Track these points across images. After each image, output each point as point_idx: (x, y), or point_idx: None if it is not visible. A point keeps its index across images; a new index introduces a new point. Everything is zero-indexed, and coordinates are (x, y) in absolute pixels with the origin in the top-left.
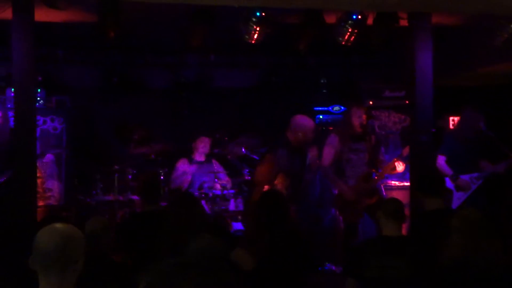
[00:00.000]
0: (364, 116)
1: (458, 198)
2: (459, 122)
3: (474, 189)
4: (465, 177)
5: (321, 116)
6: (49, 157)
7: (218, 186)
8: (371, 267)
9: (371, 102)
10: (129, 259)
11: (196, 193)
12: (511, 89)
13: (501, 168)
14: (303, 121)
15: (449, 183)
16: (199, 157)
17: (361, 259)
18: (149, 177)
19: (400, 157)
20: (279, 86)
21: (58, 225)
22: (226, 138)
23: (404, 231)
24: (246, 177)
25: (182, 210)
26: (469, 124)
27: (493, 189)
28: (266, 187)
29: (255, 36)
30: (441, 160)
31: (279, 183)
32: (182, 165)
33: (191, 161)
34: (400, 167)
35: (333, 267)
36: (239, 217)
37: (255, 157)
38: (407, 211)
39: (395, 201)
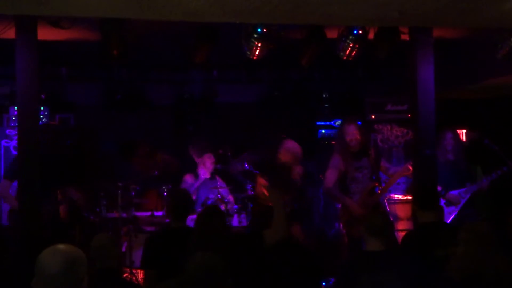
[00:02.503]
0: (356, 131)
1: (449, 213)
2: (437, 145)
3: (463, 203)
4: (453, 192)
5: (323, 131)
6: None
7: (227, 199)
8: (360, 283)
9: (373, 116)
10: (154, 275)
11: (200, 209)
12: None
13: (486, 182)
14: (293, 146)
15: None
16: (205, 173)
17: (350, 276)
18: (179, 195)
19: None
20: (282, 101)
21: (60, 247)
22: (229, 154)
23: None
24: (249, 193)
25: (210, 224)
26: (442, 147)
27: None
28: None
29: (257, 52)
30: None
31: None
32: (190, 179)
33: (196, 176)
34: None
35: None
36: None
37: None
38: (409, 225)
39: (378, 216)
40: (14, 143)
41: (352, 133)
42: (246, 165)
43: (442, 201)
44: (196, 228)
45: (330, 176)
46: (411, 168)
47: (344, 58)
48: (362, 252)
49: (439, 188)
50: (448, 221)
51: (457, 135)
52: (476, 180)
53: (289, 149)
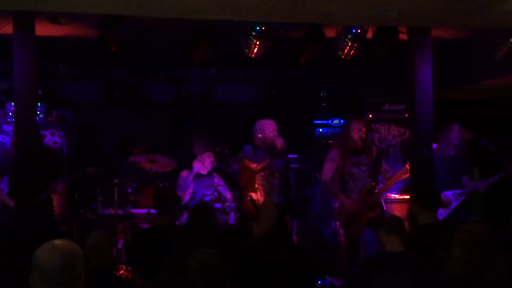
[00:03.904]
0: (363, 129)
1: (439, 214)
2: (440, 139)
3: (456, 205)
4: (448, 193)
5: (320, 129)
6: None
7: (224, 197)
8: (375, 284)
9: (370, 115)
10: (138, 272)
11: None
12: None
13: (482, 186)
14: (258, 123)
15: None
16: (202, 170)
17: (365, 277)
18: (162, 191)
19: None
20: (280, 100)
21: (58, 242)
22: (227, 152)
23: None
24: None
25: (198, 222)
26: (445, 139)
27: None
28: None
29: (255, 50)
30: None
31: (259, 186)
32: (186, 174)
33: (192, 170)
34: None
35: (334, 281)
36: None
37: None
38: (405, 225)
39: (395, 217)
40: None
41: (360, 130)
42: (248, 154)
43: None
44: (185, 225)
45: (327, 170)
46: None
47: (343, 57)
48: (380, 253)
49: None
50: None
51: (462, 129)
52: (473, 180)
53: (263, 127)
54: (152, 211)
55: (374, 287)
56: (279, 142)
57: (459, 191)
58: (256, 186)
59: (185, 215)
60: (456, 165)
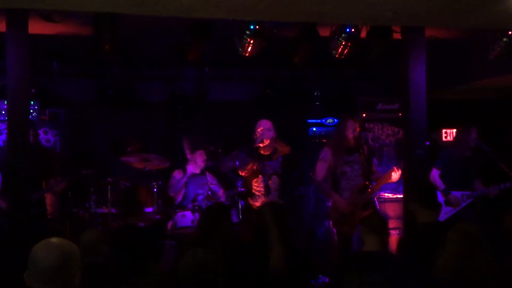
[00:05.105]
0: (358, 129)
1: (445, 213)
2: (454, 138)
3: (462, 206)
4: (456, 194)
5: (314, 129)
6: None
7: (218, 195)
8: (350, 283)
9: (364, 115)
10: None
11: (190, 206)
12: (504, 103)
13: (493, 191)
14: (264, 124)
15: (439, 197)
16: (195, 169)
17: (339, 276)
18: (125, 193)
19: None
20: (274, 99)
21: (54, 240)
22: (220, 151)
23: (395, 244)
24: (240, 189)
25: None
26: (462, 141)
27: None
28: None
29: (249, 49)
30: (434, 174)
31: (255, 191)
32: (179, 174)
33: (186, 172)
34: (395, 175)
35: (327, 280)
36: None
37: None
38: (398, 224)
39: (376, 216)
40: (3, 137)
41: (355, 129)
42: (237, 163)
43: (442, 200)
44: (200, 223)
45: (320, 169)
46: (396, 171)
47: (337, 56)
48: (357, 251)
49: (443, 186)
50: (442, 221)
51: (470, 132)
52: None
53: (255, 127)
54: (146, 209)
55: (349, 286)
56: (266, 140)
57: (468, 192)
58: (252, 191)
59: (178, 214)
60: (469, 166)
